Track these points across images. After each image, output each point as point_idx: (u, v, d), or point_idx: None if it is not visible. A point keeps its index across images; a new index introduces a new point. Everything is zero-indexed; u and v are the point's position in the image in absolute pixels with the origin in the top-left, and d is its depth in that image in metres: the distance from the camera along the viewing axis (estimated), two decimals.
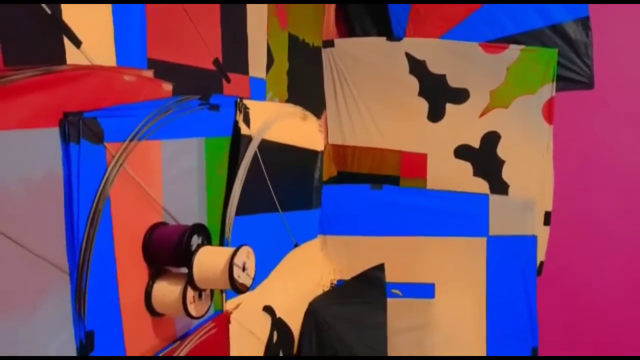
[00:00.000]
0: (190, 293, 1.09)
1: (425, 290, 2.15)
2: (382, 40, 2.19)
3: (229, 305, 1.40)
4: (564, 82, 2.14)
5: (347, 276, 2.18)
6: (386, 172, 2.25)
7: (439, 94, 2.17)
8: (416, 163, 2.22)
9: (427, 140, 2.20)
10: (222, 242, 1.39)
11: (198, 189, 1.29)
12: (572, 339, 2.46)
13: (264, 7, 1.65)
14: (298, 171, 1.97)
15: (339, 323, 1.95)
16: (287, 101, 1.85)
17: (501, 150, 2.17)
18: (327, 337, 1.91)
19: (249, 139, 1.49)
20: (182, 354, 1.19)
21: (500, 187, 2.17)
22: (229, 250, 1.11)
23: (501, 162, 2.17)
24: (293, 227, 1.84)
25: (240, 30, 1.54)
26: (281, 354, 1.74)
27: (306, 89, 2.04)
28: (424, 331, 2.16)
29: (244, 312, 1.44)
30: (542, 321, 2.12)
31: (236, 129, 1.44)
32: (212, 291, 1.18)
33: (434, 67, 2.16)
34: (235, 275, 1.08)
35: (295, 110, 1.91)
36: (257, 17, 1.61)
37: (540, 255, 2.15)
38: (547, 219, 2.16)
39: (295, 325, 1.87)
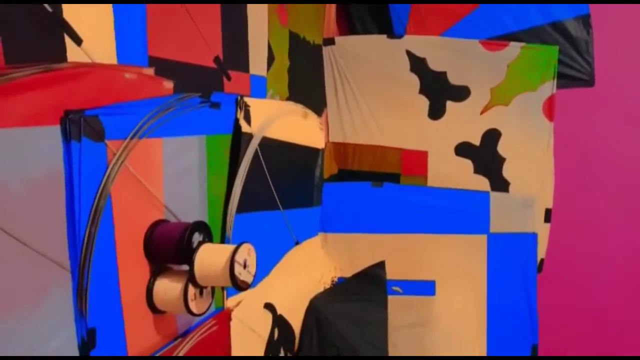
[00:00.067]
0: (191, 290, 1.09)
1: (426, 288, 2.15)
2: (383, 38, 2.19)
3: (230, 302, 1.41)
4: (564, 79, 2.14)
5: (348, 274, 2.18)
6: (387, 169, 2.25)
7: (439, 92, 2.17)
8: (417, 160, 2.22)
9: (428, 137, 2.20)
10: (223, 240, 1.39)
11: (199, 187, 1.29)
12: (572, 336, 2.47)
13: (264, 5, 1.65)
14: (299, 169, 1.97)
15: (340, 320, 1.95)
16: (288, 99, 1.85)
17: (502, 148, 2.16)
18: (328, 335, 1.91)
19: (249, 136, 1.49)
20: (183, 352, 1.19)
21: (500, 184, 2.17)
22: (230, 248, 1.11)
23: (502, 160, 2.17)
24: (294, 224, 1.84)
25: (240, 28, 1.54)
26: (282, 351, 1.75)
27: (307, 87, 2.04)
28: (425, 328, 2.16)
29: (245, 309, 1.44)
30: (542, 318, 2.12)
31: (237, 126, 1.44)
32: (213, 288, 1.19)
33: (435, 65, 2.16)
34: (237, 272, 1.08)
35: (296, 108, 1.91)
36: (257, 15, 1.61)
37: (541, 253, 2.15)
38: (548, 216, 2.16)
39: (296, 322, 1.88)
